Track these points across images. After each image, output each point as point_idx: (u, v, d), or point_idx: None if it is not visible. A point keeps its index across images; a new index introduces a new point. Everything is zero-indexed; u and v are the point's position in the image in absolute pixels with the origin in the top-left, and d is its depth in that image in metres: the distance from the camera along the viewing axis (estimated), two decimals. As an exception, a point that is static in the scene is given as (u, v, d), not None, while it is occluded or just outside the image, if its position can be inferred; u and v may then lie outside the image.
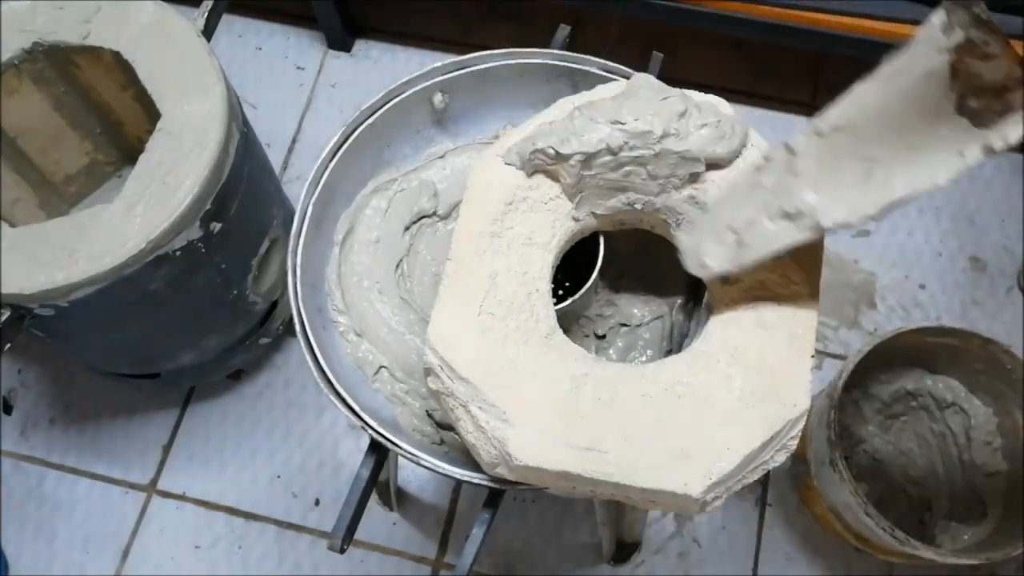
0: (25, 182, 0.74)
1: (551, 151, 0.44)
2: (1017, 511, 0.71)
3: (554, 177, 0.46)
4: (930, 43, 0.32)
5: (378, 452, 0.49)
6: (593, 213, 0.47)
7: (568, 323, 0.51)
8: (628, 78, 0.50)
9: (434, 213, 0.55)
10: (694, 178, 0.45)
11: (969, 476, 0.77)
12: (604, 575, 0.81)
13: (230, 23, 1.05)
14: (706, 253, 0.42)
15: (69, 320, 0.61)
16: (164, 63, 0.62)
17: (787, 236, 0.39)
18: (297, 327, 0.48)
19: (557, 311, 0.46)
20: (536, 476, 0.41)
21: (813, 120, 0.38)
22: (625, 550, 0.80)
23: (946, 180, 0.32)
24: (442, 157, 0.56)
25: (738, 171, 0.43)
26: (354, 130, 0.53)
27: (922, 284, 0.91)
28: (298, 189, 0.52)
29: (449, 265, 0.44)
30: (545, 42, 0.57)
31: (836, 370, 0.76)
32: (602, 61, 0.53)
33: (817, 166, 0.37)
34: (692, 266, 0.43)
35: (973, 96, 0.31)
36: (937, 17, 0.32)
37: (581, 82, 0.54)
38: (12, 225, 0.59)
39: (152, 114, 0.61)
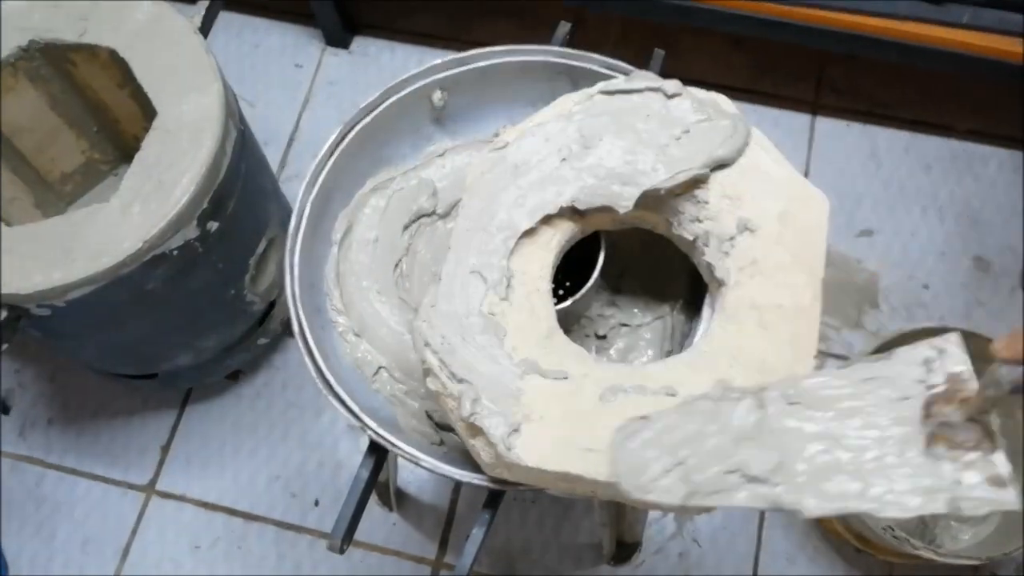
0: (21, 181, 0.74)
1: None
2: (1017, 511, 0.71)
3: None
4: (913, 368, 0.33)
5: (377, 453, 0.49)
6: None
7: (569, 323, 0.51)
8: (628, 75, 0.50)
9: (433, 212, 0.55)
10: (697, 181, 0.45)
11: (971, 476, 0.76)
12: (604, 575, 0.80)
13: (227, 20, 1.04)
14: (651, 477, 0.35)
15: (66, 320, 0.61)
16: (161, 61, 0.62)
17: (743, 498, 0.34)
18: (295, 327, 0.48)
19: (557, 311, 0.45)
20: (536, 477, 0.41)
21: (782, 385, 0.35)
22: (625, 550, 0.80)
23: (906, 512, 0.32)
24: (441, 155, 0.56)
25: (697, 398, 0.37)
26: (352, 128, 0.52)
27: (926, 284, 0.91)
28: (296, 188, 0.51)
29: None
30: (545, 39, 0.57)
31: (838, 370, 0.75)
32: (603, 58, 0.53)
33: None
34: (629, 485, 0.35)
35: (942, 444, 0.32)
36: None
37: (581, 79, 0.53)
38: (8, 224, 0.59)
39: (149, 112, 0.61)
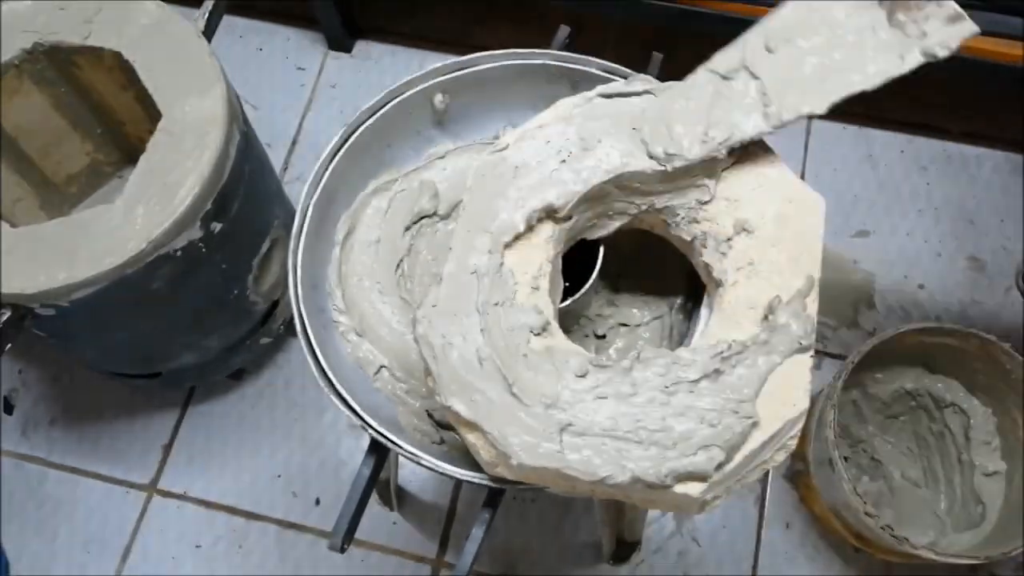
0: (26, 182, 0.75)
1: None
2: (1015, 511, 0.71)
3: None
4: None
5: (378, 451, 0.49)
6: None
7: (568, 323, 0.52)
8: (627, 78, 0.51)
9: (435, 213, 0.55)
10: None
11: (968, 476, 0.77)
12: (604, 574, 0.81)
13: (231, 24, 1.05)
14: (680, 136, 0.43)
15: (70, 320, 0.61)
16: (165, 63, 0.62)
17: (752, 126, 0.44)
18: (298, 327, 0.48)
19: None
20: (536, 476, 0.41)
21: (751, 37, 0.45)
22: (625, 549, 0.80)
23: (887, 77, 0.42)
24: (443, 157, 0.56)
25: (696, 85, 0.45)
26: (355, 130, 0.53)
27: (921, 284, 0.91)
28: (299, 189, 0.52)
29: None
30: (546, 43, 0.57)
31: (835, 370, 0.76)
32: (602, 62, 0.53)
33: (775, 72, 0.44)
34: (658, 144, 0.43)
35: (901, 11, 0.40)
36: None
37: (581, 82, 0.54)
38: (13, 225, 0.59)
39: (153, 114, 0.62)
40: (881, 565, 0.80)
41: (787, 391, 0.41)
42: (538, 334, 0.43)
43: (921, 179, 0.96)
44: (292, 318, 0.49)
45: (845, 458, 0.77)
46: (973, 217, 0.94)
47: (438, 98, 0.55)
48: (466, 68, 0.54)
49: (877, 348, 0.71)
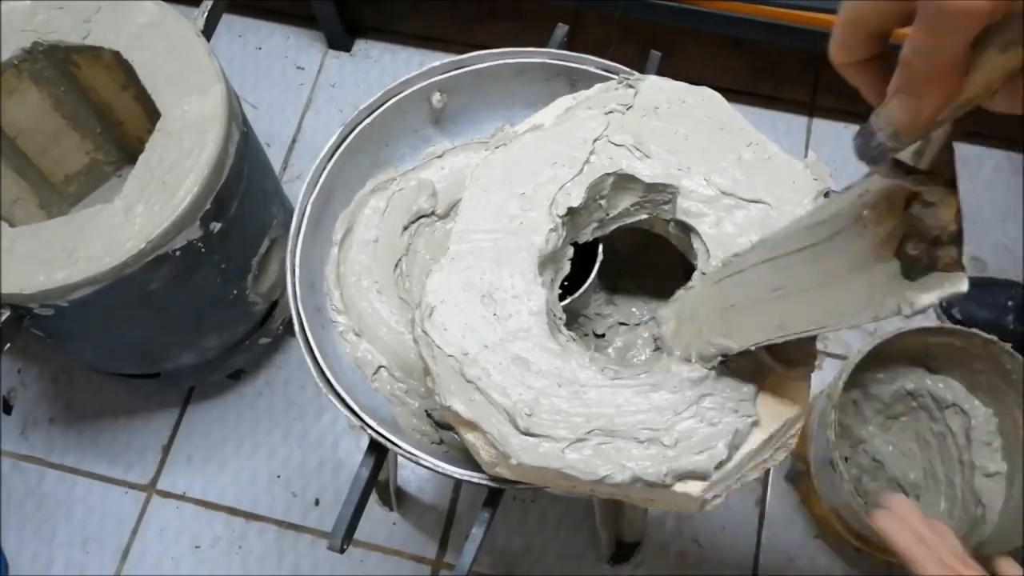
0: (25, 182, 0.75)
1: None
2: (1016, 512, 0.71)
3: None
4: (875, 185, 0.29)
5: (377, 452, 0.49)
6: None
7: (567, 322, 0.51)
8: (627, 76, 0.50)
9: (432, 213, 0.55)
10: None
11: (969, 476, 0.77)
12: (604, 575, 0.81)
13: (230, 23, 1.05)
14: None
15: (69, 320, 0.61)
16: (164, 63, 0.62)
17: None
18: (296, 327, 0.48)
19: (556, 310, 0.45)
20: (536, 475, 0.41)
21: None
22: (625, 550, 0.80)
23: (860, 323, 0.29)
24: (440, 156, 0.56)
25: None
26: (352, 130, 0.53)
27: (922, 284, 0.91)
28: (298, 189, 0.51)
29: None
30: (546, 41, 0.57)
31: (836, 370, 0.76)
32: (600, 60, 0.53)
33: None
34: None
35: (915, 240, 0.26)
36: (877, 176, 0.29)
37: (579, 81, 0.54)
38: (12, 225, 0.59)
39: (152, 114, 0.62)
40: (882, 566, 0.79)
41: (787, 390, 0.41)
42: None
43: (922, 178, 0.95)
44: (291, 318, 0.49)
45: (846, 458, 0.77)
46: (974, 217, 0.94)
47: (436, 97, 0.54)
48: (463, 67, 0.54)
49: (878, 348, 0.71)
